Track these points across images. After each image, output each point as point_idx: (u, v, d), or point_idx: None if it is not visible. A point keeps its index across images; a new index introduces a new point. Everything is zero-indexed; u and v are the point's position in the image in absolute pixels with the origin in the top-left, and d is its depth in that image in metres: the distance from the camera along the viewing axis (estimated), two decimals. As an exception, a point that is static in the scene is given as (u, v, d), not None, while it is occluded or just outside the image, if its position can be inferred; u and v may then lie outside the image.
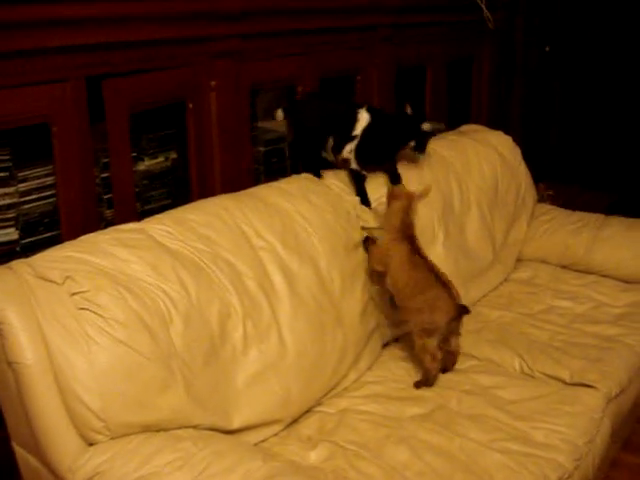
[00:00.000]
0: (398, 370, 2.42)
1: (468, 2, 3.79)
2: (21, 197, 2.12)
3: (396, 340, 2.63)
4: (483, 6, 3.84)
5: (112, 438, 1.67)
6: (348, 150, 2.54)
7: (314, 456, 1.96)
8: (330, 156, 2.60)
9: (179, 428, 1.76)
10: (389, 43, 3.29)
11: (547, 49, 5.14)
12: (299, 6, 2.74)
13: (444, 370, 2.39)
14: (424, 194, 2.45)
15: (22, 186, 2.11)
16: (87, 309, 1.67)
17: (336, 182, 2.55)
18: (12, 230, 2.10)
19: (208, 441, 1.72)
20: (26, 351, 1.62)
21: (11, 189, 2.09)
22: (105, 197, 2.30)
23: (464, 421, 2.12)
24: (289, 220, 2.27)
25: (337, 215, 2.42)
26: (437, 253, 2.60)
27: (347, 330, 2.31)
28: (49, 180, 2.15)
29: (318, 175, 2.54)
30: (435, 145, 3.08)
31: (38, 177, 2.14)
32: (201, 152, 2.51)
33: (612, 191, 4.92)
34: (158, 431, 1.73)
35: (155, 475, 1.57)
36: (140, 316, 1.72)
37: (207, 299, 1.91)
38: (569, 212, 3.52)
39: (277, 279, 2.13)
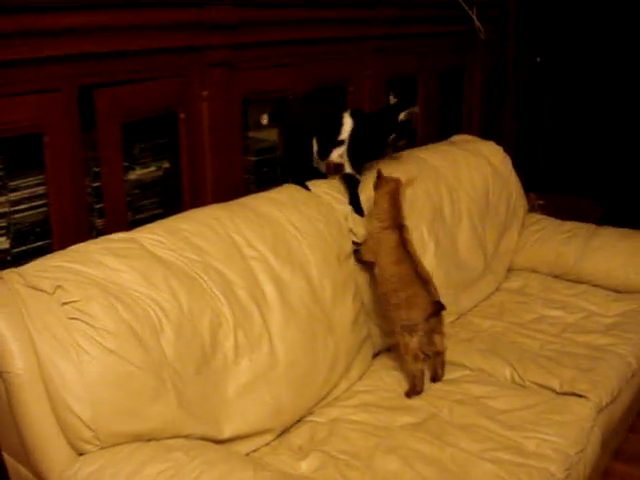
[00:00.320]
0: (389, 379, 2.42)
1: (459, 13, 3.80)
2: (12, 206, 2.11)
3: (388, 350, 2.63)
4: (474, 17, 3.86)
5: (102, 448, 1.66)
6: (338, 154, 2.55)
7: (305, 466, 1.96)
8: (318, 163, 2.60)
9: (170, 438, 1.76)
10: (381, 54, 3.31)
11: (538, 60, 5.16)
12: (291, 17, 2.76)
13: (435, 379, 2.39)
14: (409, 183, 2.51)
15: (13, 195, 2.11)
16: (78, 319, 1.66)
17: (327, 191, 2.56)
18: (3, 239, 2.10)
19: (199, 451, 1.71)
20: (16, 360, 1.61)
21: (2, 198, 2.09)
22: (96, 206, 2.30)
23: (455, 431, 2.12)
24: (280, 229, 2.28)
25: (328, 224, 2.42)
26: (428, 263, 2.60)
27: (338, 339, 2.31)
28: (40, 189, 2.15)
29: (306, 187, 2.53)
30: (426, 155, 3.11)
31: (29, 186, 2.14)
32: (193, 161, 2.52)
33: (603, 200, 4.94)
34: (149, 441, 1.72)
35: (146, 485, 1.57)
36: (131, 326, 1.72)
37: (198, 309, 1.90)
38: (560, 222, 3.53)
39: (268, 289, 2.13)
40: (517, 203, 3.46)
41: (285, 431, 2.11)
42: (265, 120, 2.62)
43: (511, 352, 2.56)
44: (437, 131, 3.81)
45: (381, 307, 2.52)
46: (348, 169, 2.56)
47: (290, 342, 2.13)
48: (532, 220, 3.57)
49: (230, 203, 2.31)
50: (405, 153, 3.12)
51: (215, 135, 2.55)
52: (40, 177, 2.13)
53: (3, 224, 2.09)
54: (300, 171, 2.60)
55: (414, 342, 2.32)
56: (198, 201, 2.49)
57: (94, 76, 2.14)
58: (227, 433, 1.92)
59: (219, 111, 2.54)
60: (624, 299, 3.03)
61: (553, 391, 2.37)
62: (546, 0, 5.10)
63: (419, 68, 3.67)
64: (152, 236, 1.99)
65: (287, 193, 2.45)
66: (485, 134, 3.81)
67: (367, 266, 2.52)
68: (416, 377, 2.33)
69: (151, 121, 2.43)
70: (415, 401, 2.29)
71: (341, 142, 2.53)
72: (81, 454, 1.67)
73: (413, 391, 2.32)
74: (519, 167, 3.60)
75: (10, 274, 1.73)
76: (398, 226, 2.42)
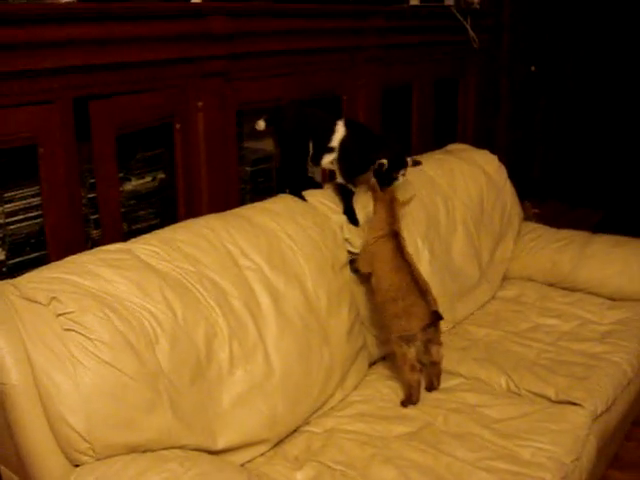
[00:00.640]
0: (385, 389, 2.42)
1: (454, 23, 3.82)
2: (7, 218, 2.11)
3: (383, 359, 2.64)
4: (468, 27, 3.88)
5: (98, 459, 1.66)
6: (328, 161, 2.56)
7: (300, 476, 1.96)
8: (312, 171, 2.60)
9: (165, 449, 1.76)
10: (375, 63, 3.32)
11: (533, 69, 5.18)
12: (286, 27, 2.76)
13: (431, 388, 2.39)
14: (407, 202, 2.52)
15: (8, 207, 2.11)
16: (72, 330, 1.67)
17: (322, 201, 2.57)
18: (-1, 251, 2.11)
19: (194, 462, 1.71)
20: (11, 372, 1.61)
21: (-3, 210, 2.09)
22: (92, 217, 2.30)
23: (451, 440, 2.12)
24: (275, 240, 2.28)
25: (323, 234, 2.43)
26: (423, 271, 2.58)
27: (334, 349, 2.31)
28: (36, 201, 2.15)
29: (302, 198, 2.54)
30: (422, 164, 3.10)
31: (25, 198, 2.15)
32: (188, 172, 2.52)
33: (598, 208, 4.96)
34: (144, 452, 1.72)
35: (141, 496, 1.57)
36: (126, 337, 1.72)
37: (193, 319, 1.91)
38: (555, 230, 3.54)
39: (263, 299, 2.14)
40: (512, 212, 3.47)
41: (280, 441, 2.11)
42: (261, 125, 2.62)
43: (506, 361, 2.57)
44: (432, 140, 3.82)
45: (377, 316, 2.52)
46: (339, 178, 2.57)
47: (285, 352, 2.13)
48: (527, 228, 3.58)
49: (225, 213, 2.32)
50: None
51: (210, 145, 2.55)
52: (35, 188, 2.14)
53: (-2, 235, 2.10)
54: (296, 180, 2.60)
55: (411, 352, 2.32)
56: (194, 211, 2.50)
57: (89, 88, 2.15)
58: (222, 444, 1.92)
59: (214, 121, 2.55)
60: (619, 307, 3.04)
61: (548, 399, 2.37)
62: (540, 10, 5.12)
63: (414, 78, 3.68)
64: (147, 247, 2.00)
65: (282, 203, 2.46)
66: (480, 143, 3.82)
67: (364, 278, 2.53)
68: (412, 387, 2.33)
69: (146, 132, 2.43)
70: (410, 410, 2.29)
71: (331, 149, 2.54)
72: (76, 465, 1.67)
73: (409, 401, 2.32)
74: (514, 176, 3.61)
75: (5, 285, 1.74)
76: (393, 234, 2.42)
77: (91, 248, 2.03)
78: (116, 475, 1.61)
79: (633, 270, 3.13)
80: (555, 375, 2.47)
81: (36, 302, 1.69)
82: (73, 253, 1.92)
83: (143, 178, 2.50)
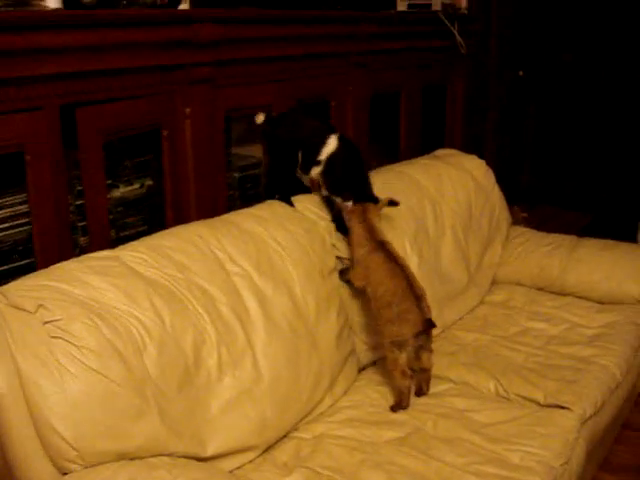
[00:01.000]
0: (374, 394, 2.42)
1: (441, 29, 3.83)
2: (-6, 225, 2.11)
3: (373, 364, 2.64)
4: (456, 32, 3.89)
5: (86, 467, 1.66)
6: (316, 172, 2.56)
7: (289, 482, 1.96)
8: (301, 175, 2.62)
9: (153, 456, 1.75)
10: (363, 69, 3.33)
11: (521, 73, 5.20)
12: (274, 34, 2.77)
13: (420, 393, 2.40)
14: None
15: (-5, 214, 2.11)
16: (60, 338, 1.66)
17: (311, 207, 2.57)
18: (-14, 258, 2.10)
19: (183, 469, 1.71)
20: (-1, 380, 1.61)
21: (-16, 217, 2.09)
22: (80, 224, 2.30)
23: (440, 445, 2.13)
24: (263, 246, 2.28)
25: (311, 240, 2.43)
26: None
27: (322, 355, 2.31)
28: (23, 208, 2.14)
29: (291, 204, 2.54)
30: (409, 169, 3.13)
31: (12, 205, 2.13)
32: (176, 178, 2.52)
33: (586, 212, 4.97)
34: (132, 459, 1.72)
35: (129, 504, 1.57)
36: (113, 344, 1.72)
37: (181, 326, 1.90)
38: (543, 234, 3.55)
39: (251, 305, 2.14)
40: (500, 216, 3.48)
41: (269, 447, 2.11)
42: (260, 119, 2.62)
43: (495, 365, 2.57)
44: (420, 145, 3.83)
45: (372, 322, 2.52)
46: (324, 192, 2.57)
47: (274, 358, 2.13)
48: (516, 233, 3.59)
49: (213, 220, 2.32)
50: (388, 167, 3.15)
51: (198, 152, 2.55)
52: (23, 196, 2.13)
53: (-15, 243, 2.09)
54: (285, 186, 2.60)
55: (403, 358, 2.32)
56: (182, 218, 2.50)
57: (76, 95, 2.14)
58: (211, 450, 1.91)
59: (202, 128, 2.55)
60: (607, 310, 3.05)
61: (537, 403, 2.38)
62: (528, 15, 5.14)
63: (401, 83, 3.69)
64: (135, 254, 1.99)
65: (270, 209, 2.46)
66: (468, 148, 3.84)
67: (359, 290, 2.52)
68: (403, 393, 2.33)
69: (134, 139, 2.43)
70: (400, 415, 2.29)
71: (319, 162, 2.54)
72: (65, 474, 1.66)
73: (399, 406, 2.32)
74: (502, 180, 3.63)
75: (-8, 293, 1.73)
76: (380, 245, 2.42)
77: (79, 255, 2.03)
78: (104, 483, 1.61)
79: (621, 274, 3.15)
80: (544, 379, 2.48)
81: (23, 310, 1.68)
82: (61, 260, 1.92)
83: (131, 185, 2.50)
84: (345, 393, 2.43)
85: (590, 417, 2.37)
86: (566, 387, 2.43)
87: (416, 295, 2.35)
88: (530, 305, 3.14)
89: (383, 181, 2.92)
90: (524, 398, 2.41)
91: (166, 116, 2.45)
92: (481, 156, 3.58)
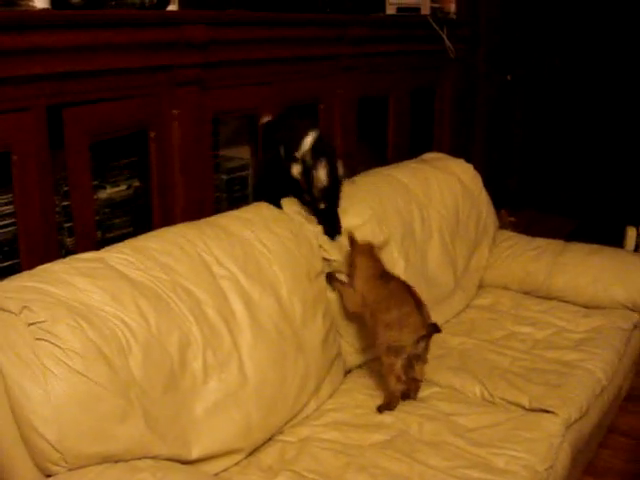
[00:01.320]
0: (360, 397, 2.42)
1: (430, 33, 3.84)
2: (-20, 225, 2.10)
3: (359, 367, 2.64)
4: (444, 36, 3.90)
5: (70, 469, 1.65)
6: (297, 172, 2.52)
7: (274, 485, 1.96)
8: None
9: (138, 459, 1.74)
10: (352, 72, 3.33)
11: (509, 78, 5.22)
12: (262, 36, 2.77)
13: (405, 397, 2.39)
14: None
15: (-19, 215, 2.10)
16: (44, 339, 1.65)
17: (297, 210, 2.56)
18: (-29, 259, 2.09)
19: (167, 472, 1.70)
20: (-18, 382, 1.60)
21: (-30, 218, 2.08)
22: (66, 225, 2.29)
23: (425, 448, 2.13)
24: (250, 248, 2.28)
25: (298, 243, 2.43)
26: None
27: (308, 358, 2.31)
28: (8, 209, 2.13)
29: (279, 206, 2.53)
30: (397, 173, 3.13)
31: (-3, 205, 2.13)
32: (163, 180, 2.51)
33: (573, 216, 5.00)
34: (116, 462, 1.71)
35: (113, 507, 1.56)
36: (98, 346, 1.71)
37: (167, 328, 1.90)
38: (530, 238, 3.57)
39: (238, 308, 2.13)
40: (487, 220, 3.49)
41: (255, 450, 2.11)
42: (264, 120, 2.65)
43: (481, 369, 2.58)
44: (408, 149, 3.84)
45: (359, 325, 2.54)
46: (307, 196, 2.54)
47: (259, 361, 2.13)
48: (503, 237, 3.60)
49: (200, 222, 2.32)
50: (376, 171, 3.15)
51: (185, 154, 2.54)
52: (8, 196, 2.12)
53: (-29, 243, 2.08)
54: (274, 188, 2.60)
55: (399, 363, 2.30)
56: (168, 220, 2.49)
57: (63, 95, 2.14)
58: (196, 453, 1.91)
59: (190, 130, 2.54)
60: (593, 315, 3.06)
61: (522, 407, 2.38)
62: (516, 20, 5.16)
63: (390, 87, 3.70)
64: (121, 255, 1.99)
65: (257, 212, 2.46)
66: (456, 152, 3.84)
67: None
68: (394, 397, 2.32)
69: (121, 140, 2.42)
70: (385, 418, 2.29)
71: (296, 159, 2.51)
72: (48, 476, 1.65)
73: (387, 408, 2.32)
74: (490, 184, 3.63)
75: (-24, 294, 1.72)
76: (385, 276, 2.45)
77: (65, 256, 2.02)
78: (88, 486, 1.61)
79: (607, 278, 3.16)
80: (529, 383, 2.49)
81: (7, 311, 1.67)
82: (46, 261, 1.91)
83: (118, 186, 2.49)
84: (331, 396, 2.43)
85: (575, 421, 2.37)
86: (551, 391, 2.44)
87: (417, 301, 2.34)
88: (516, 309, 3.14)
89: (371, 184, 2.92)
90: (509, 402, 2.41)
91: (153, 117, 2.44)
92: (469, 160, 3.58)
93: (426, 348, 2.35)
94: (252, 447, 2.09)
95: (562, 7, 5.31)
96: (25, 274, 1.84)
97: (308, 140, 2.51)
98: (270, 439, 2.17)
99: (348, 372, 2.61)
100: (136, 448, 1.75)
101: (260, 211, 2.46)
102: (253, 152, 2.93)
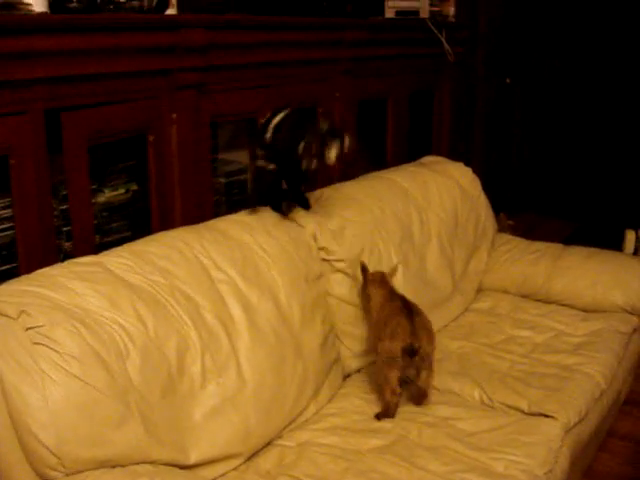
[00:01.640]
0: (359, 402, 2.41)
1: (429, 36, 3.84)
2: (-22, 229, 2.10)
3: (358, 371, 2.64)
4: (443, 40, 3.90)
5: (67, 474, 1.64)
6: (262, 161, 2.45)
7: (273, 490, 1.95)
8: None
9: (136, 464, 1.74)
10: (350, 75, 3.33)
11: (508, 81, 5.23)
12: (261, 39, 2.77)
13: (414, 402, 2.36)
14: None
15: (-21, 218, 2.10)
16: (42, 344, 1.64)
17: (296, 213, 2.56)
18: (-31, 263, 2.08)
19: (165, 477, 1.70)
20: (-21, 387, 1.59)
21: (-32, 221, 2.07)
22: (64, 229, 2.28)
23: (424, 453, 2.12)
24: (249, 252, 2.27)
25: (297, 247, 2.42)
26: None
27: (307, 362, 2.31)
28: (7, 212, 2.13)
29: (282, 211, 2.50)
30: (396, 176, 3.13)
31: (-4, 209, 2.13)
32: (162, 184, 2.51)
33: (572, 220, 5.00)
34: (114, 467, 1.70)
35: (110, 512, 1.56)
36: (96, 351, 1.71)
37: (165, 333, 1.89)
38: (529, 242, 3.56)
39: (236, 312, 2.13)
40: (486, 224, 3.49)
41: (253, 455, 2.10)
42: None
43: (480, 373, 2.57)
44: (407, 152, 3.84)
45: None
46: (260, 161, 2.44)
47: (258, 365, 2.12)
48: (501, 240, 3.60)
49: (198, 226, 2.31)
50: (375, 174, 3.15)
51: (184, 157, 2.54)
52: (6, 200, 2.12)
53: (-31, 247, 2.08)
54: (274, 193, 2.57)
55: (394, 376, 2.28)
56: (167, 223, 2.49)
57: (61, 99, 2.13)
58: (194, 458, 1.90)
59: (188, 133, 2.54)
60: (592, 318, 3.06)
61: (521, 412, 2.38)
62: (515, 22, 5.16)
63: (389, 90, 3.70)
64: (119, 260, 1.98)
65: (256, 216, 2.45)
66: (455, 155, 3.84)
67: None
68: (390, 408, 2.31)
69: (120, 143, 2.42)
70: (384, 423, 2.28)
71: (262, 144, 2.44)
72: (46, 480, 1.65)
73: (385, 415, 2.31)
74: (489, 188, 3.63)
75: (-26, 299, 1.72)
76: (399, 299, 2.45)
77: (63, 260, 2.02)
78: (86, 491, 1.60)
79: (606, 282, 3.16)
80: (528, 387, 2.48)
81: (5, 315, 1.67)
82: (44, 265, 1.91)
83: (116, 190, 2.49)
84: (330, 400, 2.42)
85: (574, 425, 2.37)
86: (550, 395, 2.43)
87: (408, 310, 2.34)
88: (515, 313, 3.14)
89: (369, 187, 2.92)
90: (508, 406, 2.40)
91: (152, 121, 2.44)
92: (468, 163, 3.59)
93: (425, 358, 2.31)
94: (250, 452, 2.09)
95: (561, 9, 5.31)
96: (23, 278, 1.84)
97: (275, 119, 2.42)
98: (269, 444, 2.16)
99: (347, 376, 2.60)
100: (134, 453, 1.74)
101: (259, 215, 2.45)
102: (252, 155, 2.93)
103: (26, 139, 2.06)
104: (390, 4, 3.59)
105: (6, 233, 2.15)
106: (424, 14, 3.78)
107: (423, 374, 2.33)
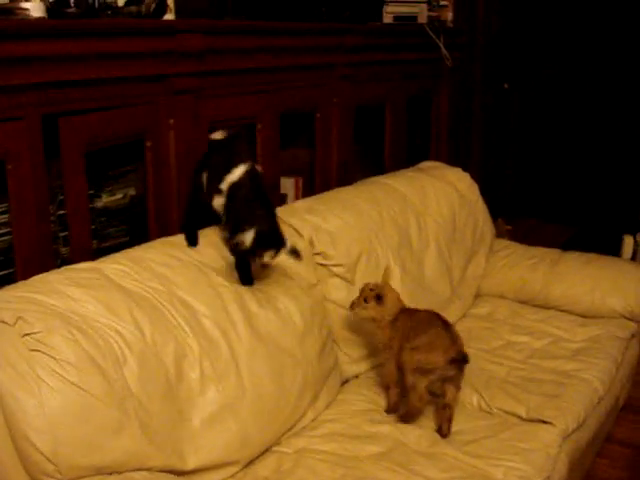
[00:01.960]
0: (356, 408, 2.41)
1: (427, 41, 3.84)
2: (-25, 235, 2.09)
3: (355, 377, 2.63)
4: (441, 45, 3.90)
5: (64, 481, 1.64)
6: (218, 203, 2.25)
7: (270, 497, 1.95)
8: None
9: (133, 470, 1.74)
10: (348, 81, 3.33)
11: (506, 86, 5.23)
12: (259, 45, 2.76)
13: (441, 433, 2.26)
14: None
15: (-24, 224, 2.09)
16: (39, 351, 1.64)
17: (290, 221, 2.55)
18: (-34, 269, 2.07)
19: (162, 484, 1.70)
20: (-24, 393, 1.59)
21: (-36, 227, 2.07)
22: (61, 235, 2.28)
23: (421, 459, 2.12)
24: (248, 259, 2.27)
25: (295, 253, 2.42)
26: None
27: (306, 369, 2.30)
28: (4, 218, 2.12)
29: (192, 237, 2.26)
30: (394, 182, 3.13)
31: (-7, 215, 2.12)
32: (159, 189, 2.50)
33: (570, 225, 5.00)
34: (111, 473, 1.70)
35: (107, 520, 1.55)
36: (93, 358, 1.70)
37: (162, 339, 1.89)
38: (527, 247, 3.57)
39: (236, 319, 2.12)
40: (484, 229, 3.49)
41: (251, 462, 2.09)
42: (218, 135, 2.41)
43: (478, 379, 2.57)
44: (405, 158, 3.84)
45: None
46: (225, 233, 2.27)
47: (258, 372, 2.12)
48: (500, 246, 3.60)
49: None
50: (373, 179, 3.15)
51: (182, 163, 2.53)
52: (4, 205, 2.11)
53: (-34, 253, 2.07)
54: (193, 216, 2.37)
55: (423, 383, 2.26)
56: (165, 229, 2.48)
57: (59, 104, 2.13)
58: (192, 465, 1.90)
59: (186, 139, 2.53)
60: (590, 324, 3.06)
61: (520, 418, 2.38)
62: (513, 27, 5.17)
63: (387, 95, 3.70)
64: (116, 266, 1.98)
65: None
66: (452, 160, 3.84)
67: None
68: (414, 415, 2.29)
69: (117, 149, 2.41)
70: (382, 430, 2.27)
71: (220, 191, 2.23)
72: (42, 488, 1.64)
73: (405, 420, 2.30)
74: (487, 193, 3.63)
75: (-30, 305, 1.71)
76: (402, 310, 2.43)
77: (60, 266, 2.01)
78: (82, 498, 1.60)
79: (604, 287, 3.16)
80: (526, 393, 2.48)
81: (2, 322, 1.66)
82: (41, 271, 1.91)
83: (114, 195, 2.48)
84: (327, 407, 2.41)
85: (573, 432, 2.37)
86: (549, 401, 2.43)
87: (444, 322, 2.33)
88: (513, 318, 3.14)
89: (367, 192, 2.92)
90: (506, 412, 2.41)
91: (150, 127, 2.43)
92: (465, 168, 3.59)
93: (460, 373, 2.29)
94: (248, 459, 2.08)
95: (559, 15, 5.32)
96: (20, 284, 1.84)
97: (237, 171, 2.21)
98: (267, 450, 2.16)
99: (345, 382, 2.59)
100: (131, 459, 1.74)
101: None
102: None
103: (23, 144, 2.05)
104: (388, 9, 3.60)
105: (3, 239, 2.14)
106: (422, 20, 3.79)
107: (451, 389, 2.28)
